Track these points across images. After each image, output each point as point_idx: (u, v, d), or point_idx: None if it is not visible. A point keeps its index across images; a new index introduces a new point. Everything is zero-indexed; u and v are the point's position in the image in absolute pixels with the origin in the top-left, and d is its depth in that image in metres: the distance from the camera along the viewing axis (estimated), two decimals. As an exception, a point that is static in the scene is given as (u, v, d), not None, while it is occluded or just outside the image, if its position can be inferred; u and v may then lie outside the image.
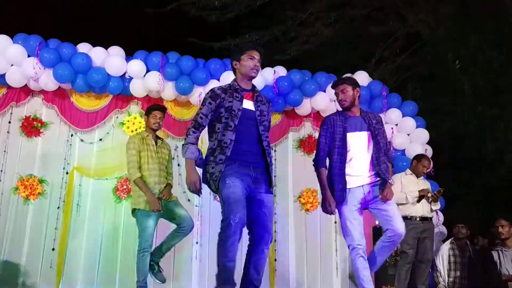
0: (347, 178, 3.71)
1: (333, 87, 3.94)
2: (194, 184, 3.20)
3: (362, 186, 3.73)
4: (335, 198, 3.73)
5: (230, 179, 3.12)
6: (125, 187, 5.87)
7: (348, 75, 6.61)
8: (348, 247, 3.79)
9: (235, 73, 3.46)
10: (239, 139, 3.22)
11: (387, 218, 3.74)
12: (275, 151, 6.46)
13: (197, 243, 5.91)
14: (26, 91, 5.90)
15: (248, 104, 3.32)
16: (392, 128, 6.41)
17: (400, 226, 3.72)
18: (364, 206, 3.81)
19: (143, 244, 4.39)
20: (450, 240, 5.89)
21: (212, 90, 3.33)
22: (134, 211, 4.48)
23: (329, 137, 3.77)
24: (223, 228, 3.05)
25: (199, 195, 3.34)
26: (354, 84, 3.85)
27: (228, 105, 3.24)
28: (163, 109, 4.81)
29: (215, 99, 3.26)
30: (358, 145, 3.74)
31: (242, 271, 3.23)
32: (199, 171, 3.28)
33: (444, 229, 6.20)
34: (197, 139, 3.29)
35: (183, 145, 3.27)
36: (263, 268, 3.21)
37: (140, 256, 4.39)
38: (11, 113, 5.84)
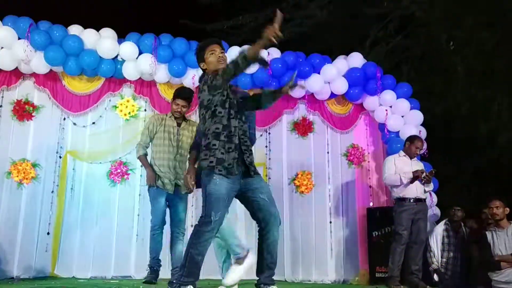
0: None
1: None
2: None
3: None
4: None
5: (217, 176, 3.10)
6: (119, 170, 5.85)
7: (342, 56, 6.59)
8: None
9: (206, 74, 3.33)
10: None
11: None
12: (269, 133, 6.45)
13: (192, 225, 5.91)
14: (17, 74, 5.82)
15: None
16: (386, 110, 6.42)
17: None
18: None
19: (153, 222, 4.50)
20: (444, 221, 5.93)
21: None
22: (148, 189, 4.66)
23: None
24: (202, 223, 3.08)
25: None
26: None
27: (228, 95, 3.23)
28: (187, 97, 4.66)
29: None
30: None
31: (257, 257, 3.29)
32: None
33: (437, 211, 6.25)
34: None
35: None
36: (276, 251, 3.26)
37: (151, 234, 4.53)
38: (2, 96, 5.78)
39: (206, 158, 3.15)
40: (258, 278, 3.28)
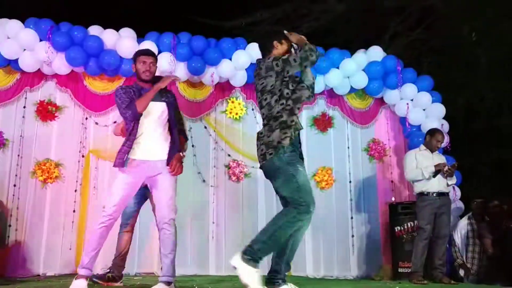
0: None
1: None
2: None
3: None
4: None
5: (302, 167, 3.24)
6: (140, 168, 5.90)
7: (362, 50, 6.53)
8: None
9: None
10: None
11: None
12: (289, 129, 6.43)
13: (213, 222, 5.96)
14: (39, 76, 5.92)
15: None
16: (407, 104, 6.34)
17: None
18: None
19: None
20: (468, 215, 5.85)
21: None
22: None
23: None
24: (300, 212, 3.12)
25: None
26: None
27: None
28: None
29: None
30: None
31: (278, 251, 3.26)
32: None
33: (461, 204, 6.16)
34: None
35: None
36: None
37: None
38: (26, 98, 5.88)
39: (287, 136, 3.18)
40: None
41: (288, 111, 3.24)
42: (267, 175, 3.32)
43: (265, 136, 3.24)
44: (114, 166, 3.55)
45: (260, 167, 3.34)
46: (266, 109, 3.30)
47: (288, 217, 3.12)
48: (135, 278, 5.25)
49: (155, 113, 3.61)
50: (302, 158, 3.34)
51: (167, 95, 3.76)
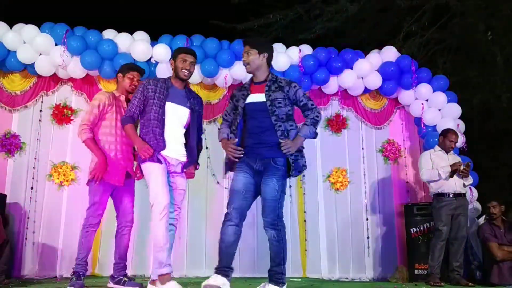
0: None
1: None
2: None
3: None
4: None
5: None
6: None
7: (375, 51, 6.49)
8: None
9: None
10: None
11: None
12: (302, 131, 6.42)
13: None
14: (55, 80, 6.00)
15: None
16: (422, 104, 6.28)
17: None
18: None
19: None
20: (484, 216, 5.77)
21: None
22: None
23: None
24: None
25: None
26: None
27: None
28: (140, 70, 4.27)
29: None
30: None
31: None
32: None
33: (478, 205, 6.07)
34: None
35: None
36: (273, 251, 3.40)
37: (84, 231, 3.95)
38: (42, 101, 5.96)
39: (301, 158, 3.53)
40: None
41: None
42: None
43: None
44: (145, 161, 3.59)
45: None
46: None
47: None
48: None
49: (176, 116, 3.70)
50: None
51: (195, 101, 3.81)
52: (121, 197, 4.06)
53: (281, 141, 3.36)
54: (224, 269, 3.34)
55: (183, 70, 3.66)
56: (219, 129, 3.65)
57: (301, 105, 3.52)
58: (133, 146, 3.97)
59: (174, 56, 3.75)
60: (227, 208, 3.41)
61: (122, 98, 4.11)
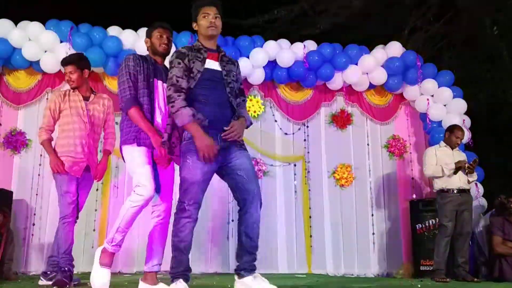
0: None
1: None
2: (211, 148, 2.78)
3: None
4: None
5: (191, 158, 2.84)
6: (160, 167, 5.95)
7: (380, 46, 6.47)
8: None
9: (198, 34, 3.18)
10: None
11: None
12: (307, 127, 6.43)
13: (232, 220, 5.96)
14: (60, 77, 6.00)
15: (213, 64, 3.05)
16: (427, 99, 6.25)
17: None
18: None
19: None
20: (490, 212, 5.74)
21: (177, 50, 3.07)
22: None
23: None
24: (177, 209, 2.89)
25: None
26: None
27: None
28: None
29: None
30: None
31: (237, 241, 3.08)
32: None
33: (483, 201, 6.05)
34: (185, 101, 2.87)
35: (172, 113, 2.86)
36: (256, 233, 3.00)
37: (60, 224, 3.89)
38: (47, 98, 5.96)
39: None
40: (237, 264, 2.97)
41: None
42: None
43: None
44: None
45: None
46: None
47: None
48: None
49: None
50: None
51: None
52: (79, 189, 4.03)
53: (233, 122, 2.92)
54: (185, 273, 2.92)
55: (162, 45, 3.37)
56: (172, 101, 2.84)
57: (239, 87, 3.16)
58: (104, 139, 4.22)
59: (148, 35, 3.48)
60: (183, 202, 2.85)
61: (77, 92, 3.98)
